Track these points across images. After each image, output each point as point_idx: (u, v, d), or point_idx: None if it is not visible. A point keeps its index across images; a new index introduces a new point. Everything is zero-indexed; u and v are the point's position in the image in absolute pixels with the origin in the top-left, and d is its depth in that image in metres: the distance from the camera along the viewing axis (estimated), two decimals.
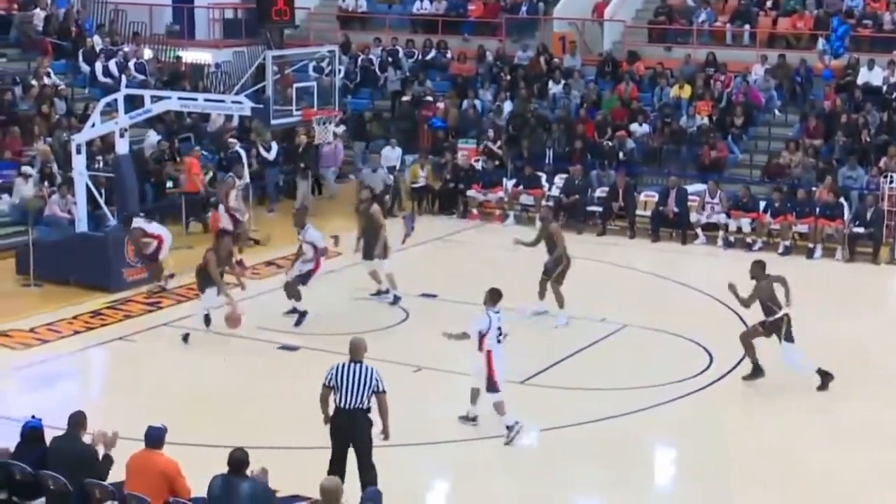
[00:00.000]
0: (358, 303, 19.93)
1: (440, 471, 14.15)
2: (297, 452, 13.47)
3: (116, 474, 11.25)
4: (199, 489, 11.00)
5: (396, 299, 19.80)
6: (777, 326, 15.99)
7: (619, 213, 25.67)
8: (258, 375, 16.49)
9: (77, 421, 11.73)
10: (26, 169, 23.73)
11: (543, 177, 26.84)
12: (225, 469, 10.80)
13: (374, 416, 12.27)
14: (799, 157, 26.09)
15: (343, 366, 12.27)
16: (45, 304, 19.43)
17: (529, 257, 19.34)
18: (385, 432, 12.38)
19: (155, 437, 11.24)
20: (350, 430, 12.15)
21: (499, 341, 14.38)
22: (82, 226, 21.15)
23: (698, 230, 24.65)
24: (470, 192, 27.05)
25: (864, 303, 20.89)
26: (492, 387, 14.32)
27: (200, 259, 18.03)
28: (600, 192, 26.15)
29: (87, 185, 21.09)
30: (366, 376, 12.17)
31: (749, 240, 24.44)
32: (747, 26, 31.29)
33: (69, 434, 11.71)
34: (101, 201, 21.46)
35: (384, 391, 12.23)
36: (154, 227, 20.50)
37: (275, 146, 27.29)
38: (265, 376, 16.51)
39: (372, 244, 19.67)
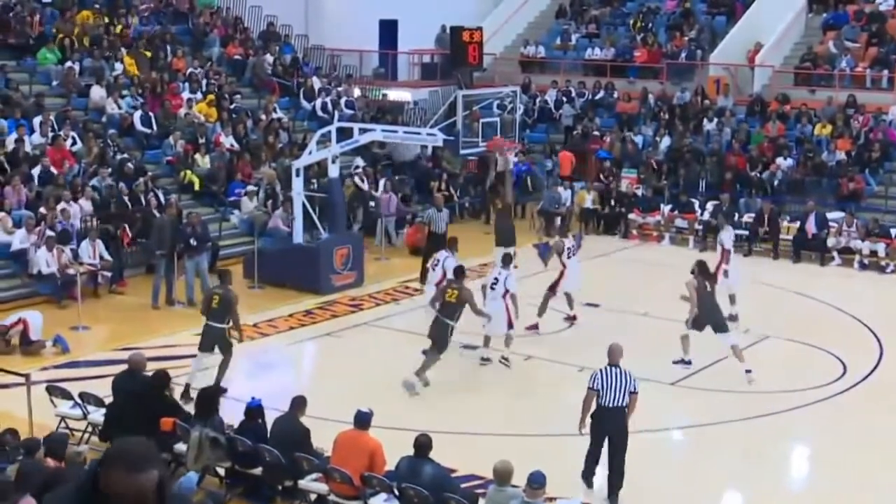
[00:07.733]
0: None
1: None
2: (476, 438, 13.46)
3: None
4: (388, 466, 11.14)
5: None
6: None
7: (764, 236, 25.05)
8: (440, 368, 15.91)
9: (297, 403, 11.95)
10: (251, 188, 24.39)
11: (696, 203, 26.42)
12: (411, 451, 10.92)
13: None
14: None
15: (604, 370, 12.02)
16: (266, 304, 19.78)
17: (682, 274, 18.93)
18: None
19: (364, 419, 11.37)
20: (611, 426, 11.95)
21: None
22: (298, 238, 21.52)
23: (835, 253, 23.89)
24: (631, 216, 26.80)
25: None
26: None
27: None
28: (747, 218, 25.57)
29: (304, 204, 21.46)
30: (625, 378, 11.94)
31: (883, 263, 23.58)
32: (885, 71, 30.26)
33: (289, 414, 11.92)
34: (315, 217, 21.81)
35: (636, 391, 11.98)
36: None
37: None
38: (446, 368, 15.92)
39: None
